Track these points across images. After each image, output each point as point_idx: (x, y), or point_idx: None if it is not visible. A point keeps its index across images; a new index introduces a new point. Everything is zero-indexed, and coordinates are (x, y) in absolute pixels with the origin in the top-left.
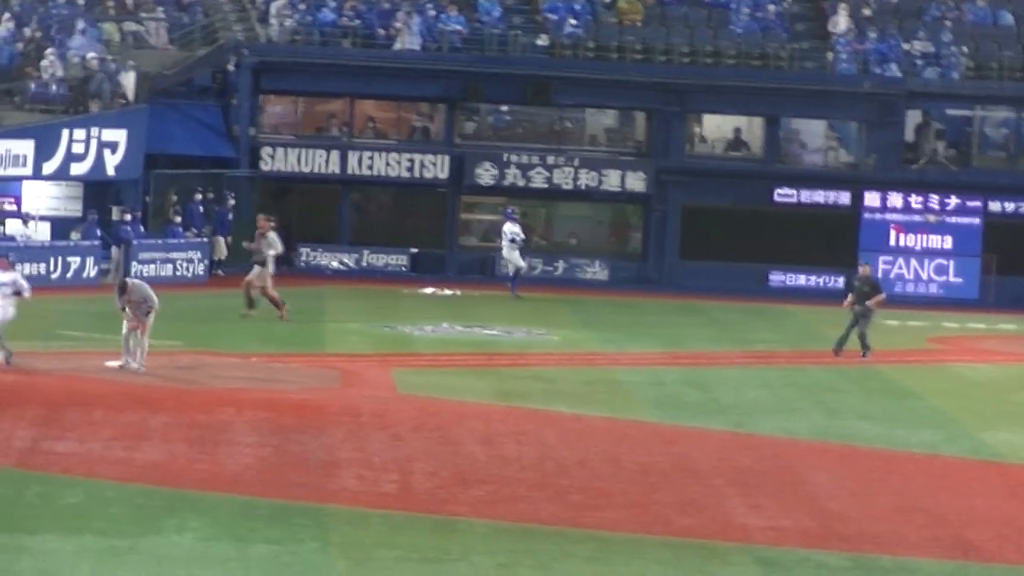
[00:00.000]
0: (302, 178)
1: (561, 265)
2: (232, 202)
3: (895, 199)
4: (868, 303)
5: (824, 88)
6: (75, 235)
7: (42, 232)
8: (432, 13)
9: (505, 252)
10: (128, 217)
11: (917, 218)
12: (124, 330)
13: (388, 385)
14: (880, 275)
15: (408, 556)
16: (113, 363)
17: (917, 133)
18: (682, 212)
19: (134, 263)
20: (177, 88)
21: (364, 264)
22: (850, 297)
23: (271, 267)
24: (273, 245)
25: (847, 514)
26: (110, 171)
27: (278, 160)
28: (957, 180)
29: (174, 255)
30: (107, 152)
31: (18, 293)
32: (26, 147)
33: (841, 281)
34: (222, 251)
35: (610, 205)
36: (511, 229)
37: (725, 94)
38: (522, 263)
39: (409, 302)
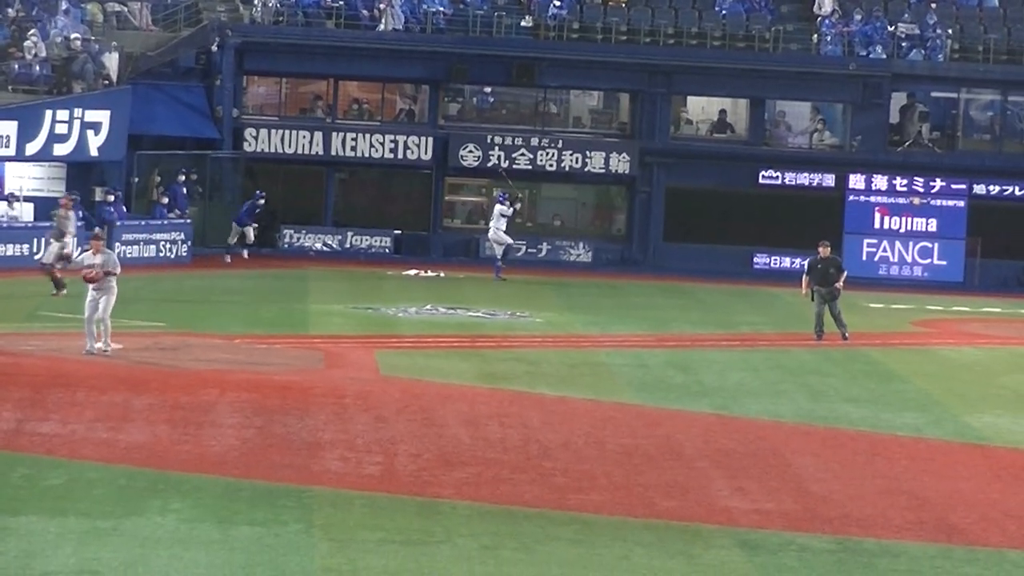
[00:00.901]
0: (286, 159)
1: (545, 247)
2: (183, 177)
3: (880, 181)
4: (836, 284)
5: (809, 70)
6: None
7: (25, 213)
8: None
9: (491, 234)
10: (111, 198)
11: (902, 201)
12: (87, 312)
13: (372, 367)
14: (864, 258)
15: (391, 538)
16: (99, 346)
17: (902, 115)
18: (666, 194)
19: (117, 244)
20: (161, 69)
21: (348, 246)
22: (805, 279)
23: (69, 245)
24: (68, 224)
25: (831, 497)
26: (93, 152)
27: (261, 141)
28: (942, 163)
29: (157, 236)
30: (90, 133)
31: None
32: (9, 128)
33: None
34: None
35: (594, 187)
36: (501, 211)
37: (710, 76)
38: (510, 239)
39: (393, 284)
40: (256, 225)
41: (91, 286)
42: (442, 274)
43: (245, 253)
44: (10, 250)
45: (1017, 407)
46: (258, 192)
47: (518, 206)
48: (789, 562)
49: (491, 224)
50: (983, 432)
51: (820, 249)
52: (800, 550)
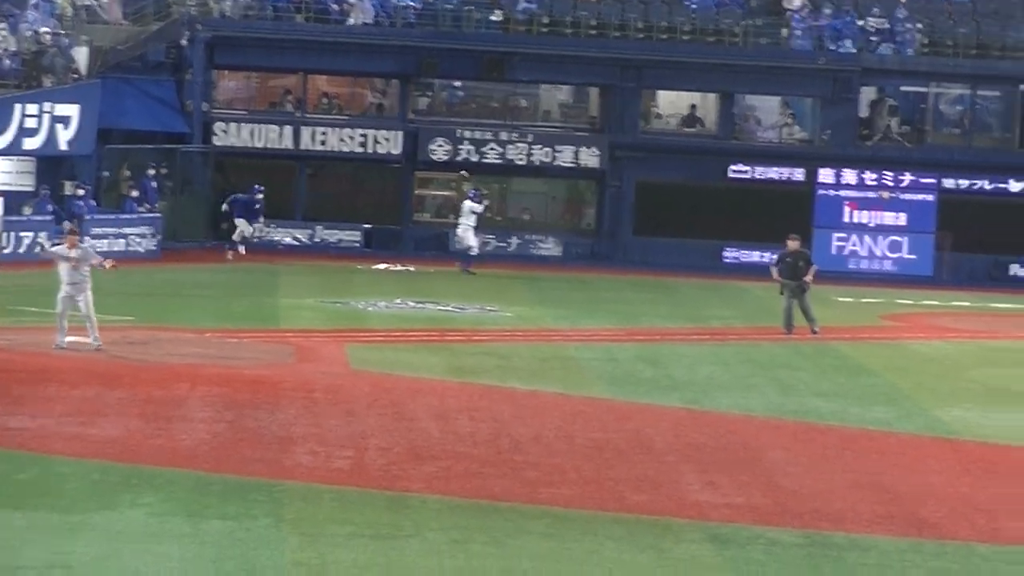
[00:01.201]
0: (255, 153)
1: (515, 241)
2: (153, 171)
3: (849, 176)
4: (805, 278)
5: (779, 64)
6: (27, 210)
7: None
8: None
9: (460, 231)
10: (80, 192)
11: (871, 195)
12: (59, 307)
13: (342, 361)
14: (834, 252)
15: (361, 532)
16: (73, 339)
17: (871, 109)
18: (636, 188)
19: (86, 238)
20: (130, 63)
21: (317, 240)
22: (774, 272)
23: None
24: None
25: (801, 491)
26: (63, 146)
27: (231, 135)
28: (911, 157)
29: (127, 230)
30: (60, 127)
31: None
32: None
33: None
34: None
35: (564, 181)
36: (472, 207)
37: (680, 70)
38: (473, 243)
39: (363, 278)
40: (260, 221)
41: (64, 282)
42: (412, 268)
43: (242, 249)
44: None
45: (987, 401)
46: (256, 187)
47: (487, 203)
48: (758, 556)
49: (460, 220)
50: (953, 426)
51: (789, 243)
52: (770, 544)
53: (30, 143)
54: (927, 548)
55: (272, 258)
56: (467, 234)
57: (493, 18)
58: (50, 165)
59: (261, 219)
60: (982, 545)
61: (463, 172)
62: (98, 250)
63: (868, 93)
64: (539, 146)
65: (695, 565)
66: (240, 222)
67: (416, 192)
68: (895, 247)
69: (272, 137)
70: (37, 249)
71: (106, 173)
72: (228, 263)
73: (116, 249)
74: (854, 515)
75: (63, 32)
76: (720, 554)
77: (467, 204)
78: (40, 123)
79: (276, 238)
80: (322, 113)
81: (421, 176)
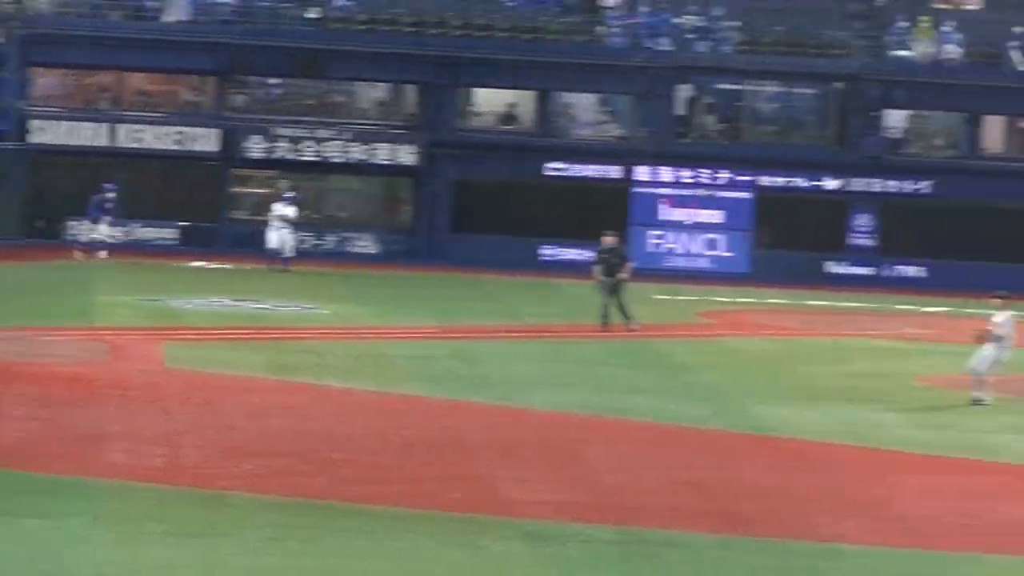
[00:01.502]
0: (72, 151)
1: (332, 239)
2: None
3: (666, 173)
4: (621, 274)
5: (595, 62)
6: None
7: None
8: None
9: (269, 232)
10: None
11: (688, 192)
12: None
13: (157, 359)
14: (650, 249)
15: (176, 530)
16: None
17: (688, 107)
18: (453, 186)
19: None
20: None
21: (133, 237)
22: (596, 270)
23: None
24: None
25: (617, 488)
26: None
27: (48, 133)
28: (728, 154)
29: None
30: None
31: None
32: None
33: None
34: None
35: (381, 178)
36: (282, 210)
37: (497, 68)
38: (279, 244)
39: (179, 276)
40: (109, 219)
41: None
42: (228, 266)
43: (103, 253)
44: None
45: (801, 398)
46: (105, 184)
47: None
48: (574, 553)
49: (273, 220)
50: (768, 423)
51: (605, 239)
52: (585, 541)
53: None
54: (742, 544)
55: (90, 255)
56: (275, 235)
57: (309, 15)
58: None
59: (109, 218)
60: (796, 542)
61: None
62: None
63: (684, 91)
64: (356, 143)
65: (511, 562)
66: (91, 221)
67: (232, 190)
68: (711, 244)
69: (88, 135)
70: None
71: None
72: (77, 261)
73: None
74: (670, 511)
75: None
76: (535, 551)
77: (276, 206)
78: None
79: (92, 236)
80: (138, 110)
81: (237, 174)
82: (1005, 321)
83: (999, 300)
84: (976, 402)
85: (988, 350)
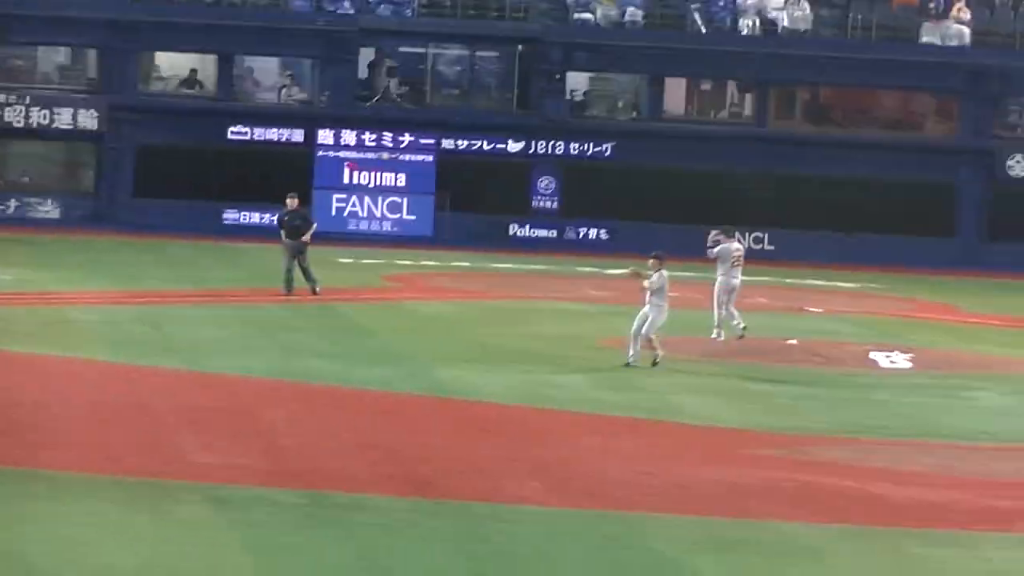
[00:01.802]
0: None
1: (13, 204)
2: None
3: (348, 137)
4: (303, 237)
5: (277, 25)
6: None
7: None
8: None
9: None
10: None
11: (371, 156)
12: None
13: None
14: (334, 213)
15: None
16: None
17: (371, 71)
18: (136, 150)
19: None
20: None
21: None
22: (281, 233)
23: None
24: None
25: (302, 452)
26: None
27: None
28: (411, 118)
29: None
30: None
31: None
32: None
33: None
34: None
35: (63, 143)
36: None
37: (178, 31)
38: None
39: None
40: None
41: None
42: None
43: None
44: None
45: (484, 361)
46: None
47: None
48: (260, 517)
49: None
50: (451, 386)
51: (288, 202)
52: (271, 505)
53: None
54: (426, 507)
55: None
56: None
57: None
58: None
59: None
60: (482, 504)
61: None
62: None
63: (367, 54)
64: (36, 108)
65: (196, 526)
66: None
67: None
68: (395, 208)
69: None
70: None
71: None
72: None
73: None
74: (356, 475)
75: None
76: (220, 515)
77: None
78: None
79: None
80: None
81: None
82: (658, 280)
83: (655, 260)
84: (632, 364)
85: (646, 310)
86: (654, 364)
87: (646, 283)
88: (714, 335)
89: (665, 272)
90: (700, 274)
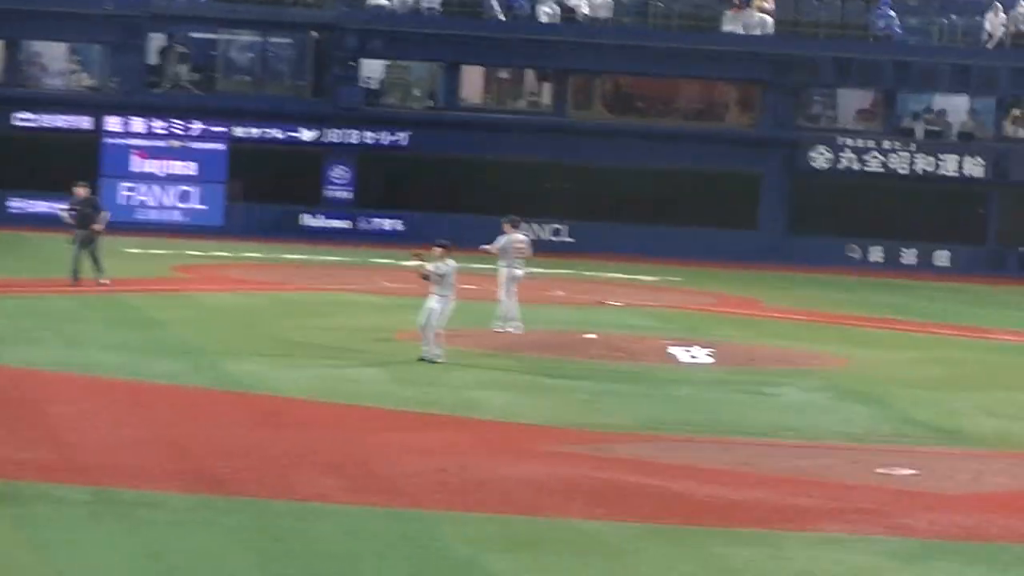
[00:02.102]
0: None
1: None
2: None
3: (137, 124)
4: (94, 226)
5: (66, 10)
6: None
7: None
8: None
9: None
10: None
11: (161, 143)
12: None
13: None
14: (123, 201)
15: None
16: None
17: (161, 56)
18: None
19: None
20: None
21: None
22: (66, 217)
23: None
24: None
25: (88, 447)
26: None
27: None
28: (202, 105)
29: None
30: None
31: None
32: None
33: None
34: None
35: None
36: None
37: None
38: None
39: None
40: None
41: None
42: None
43: None
44: None
45: (276, 353)
46: None
47: None
48: (44, 513)
49: None
50: (243, 379)
51: (77, 190)
52: (56, 502)
53: None
54: (219, 504)
55: None
56: None
57: None
58: None
59: None
60: (275, 501)
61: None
62: None
63: (157, 40)
64: None
65: None
66: None
67: None
68: (185, 197)
69: None
70: None
71: None
72: None
73: None
74: (143, 470)
75: None
76: (3, 512)
77: None
78: None
79: None
80: None
81: None
82: (443, 270)
83: (440, 250)
84: (425, 358)
85: (431, 302)
86: (422, 360)
87: (428, 266)
88: (511, 328)
89: (452, 262)
90: (495, 266)
